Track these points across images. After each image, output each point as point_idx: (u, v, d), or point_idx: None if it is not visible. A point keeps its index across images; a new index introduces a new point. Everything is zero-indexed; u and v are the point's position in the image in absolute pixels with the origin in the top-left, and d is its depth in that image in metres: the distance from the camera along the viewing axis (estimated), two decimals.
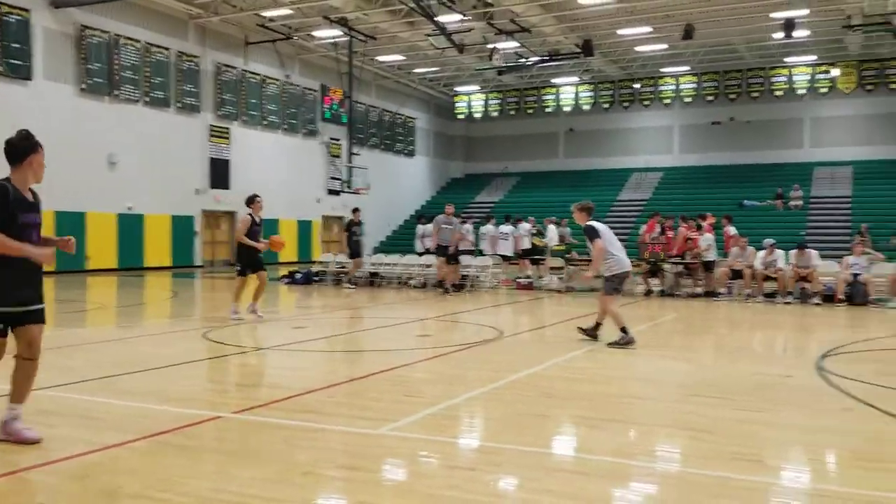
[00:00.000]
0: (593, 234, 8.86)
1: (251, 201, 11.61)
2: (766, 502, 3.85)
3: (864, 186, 33.40)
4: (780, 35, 27.50)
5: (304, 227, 31.78)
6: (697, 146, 38.89)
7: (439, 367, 7.62)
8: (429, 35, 26.91)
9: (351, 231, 18.32)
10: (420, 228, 20.66)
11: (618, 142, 40.58)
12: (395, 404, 5.87)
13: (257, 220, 11.47)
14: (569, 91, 38.53)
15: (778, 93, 35.31)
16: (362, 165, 32.15)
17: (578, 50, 29.19)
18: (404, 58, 33.69)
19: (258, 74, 29.45)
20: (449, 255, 16.70)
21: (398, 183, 38.40)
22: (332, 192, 32.88)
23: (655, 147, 39.86)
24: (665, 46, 32.13)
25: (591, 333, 9.02)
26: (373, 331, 10.93)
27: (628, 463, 4.43)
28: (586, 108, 38.68)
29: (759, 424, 5.30)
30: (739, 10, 27.33)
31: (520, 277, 18.32)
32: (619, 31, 30.13)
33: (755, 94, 35.89)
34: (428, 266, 18.50)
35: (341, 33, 28.39)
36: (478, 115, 40.61)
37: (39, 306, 4.73)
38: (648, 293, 16.16)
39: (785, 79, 34.94)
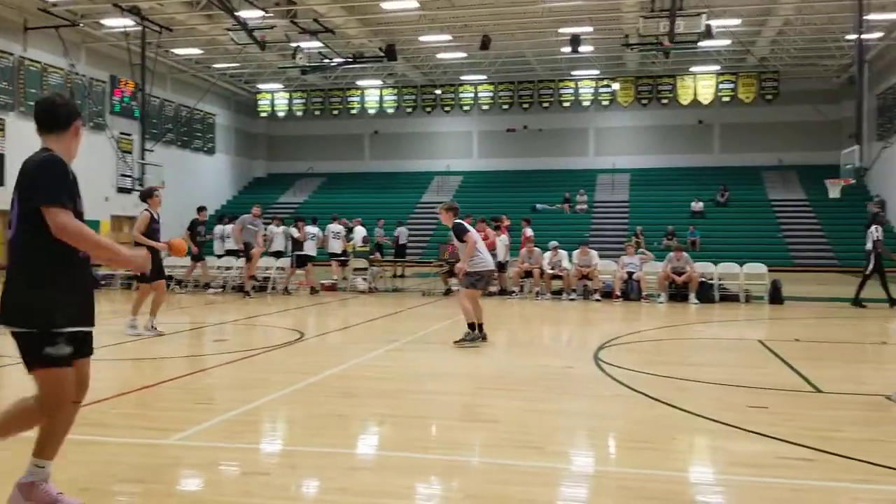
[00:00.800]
0: (463, 231, 9.14)
1: (149, 195, 10.14)
2: (545, 485, 4.17)
3: (640, 192, 36.60)
4: (567, 49, 29.41)
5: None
6: (495, 151, 40.68)
7: (236, 371, 7.48)
8: (229, 30, 26.11)
9: (196, 231, 17.46)
10: (219, 229, 19.97)
11: (421, 145, 41.54)
12: (186, 412, 5.71)
13: (156, 216, 10.02)
14: (373, 94, 38.86)
15: (566, 104, 37.71)
16: (157, 162, 30.53)
17: (382, 54, 29.56)
18: (203, 52, 32.44)
19: (38, 62, 27.12)
20: (248, 256, 16.29)
21: (197, 182, 36.87)
22: (122, 189, 30.96)
23: (456, 151, 41.23)
24: (464, 55, 33.31)
25: (475, 336, 9.03)
26: (167, 337, 10.48)
27: (424, 457, 4.62)
28: (390, 111, 39.21)
29: (543, 413, 5.71)
30: (531, 24, 28.93)
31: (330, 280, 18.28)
32: (422, 38, 30.85)
33: (546, 105, 38.09)
34: (228, 268, 17.99)
35: (133, 23, 26.84)
36: (281, 114, 39.88)
37: (91, 329, 3.66)
38: (447, 292, 16.74)
39: (572, 91, 37.39)
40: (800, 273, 26.16)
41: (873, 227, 14.38)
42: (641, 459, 4.55)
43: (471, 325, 8.93)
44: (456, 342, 8.86)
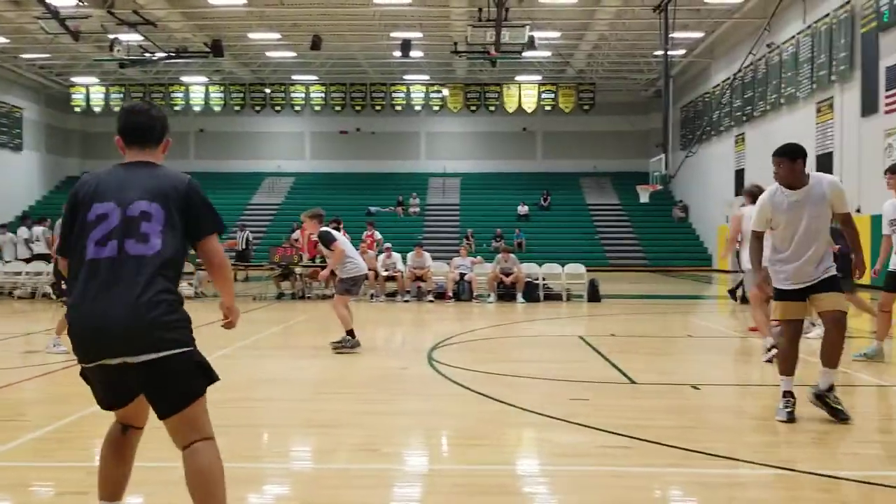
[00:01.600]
0: (330, 238, 8.94)
1: None
2: (379, 487, 4.21)
3: (470, 195, 37.67)
4: (398, 54, 29.73)
5: None
6: (327, 153, 40.38)
7: (48, 385, 6.97)
8: (39, 18, 24.22)
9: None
10: (24, 231, 18.36)
11: (250, 145, 40.47)
12: None
13: None
14: (199, 91, 37.42)
15: (398, 107, 38.11)
16: None
17: (208, 49, 28.52)
18: (8, 40, 29.90)
19: None
20: None
21: (2, 180, 33.95)
22: None
23: (288, 152, 40.55)
24: (294, 54, 32.83)
25: (355, 343, 8.87)
26: None
27: (257, 466, 4.53)
28: (217, 109, 37.92)
29: (378, 415, 5.76)
30: (362, 27, 29.00)
31: None
32: (250, 35, 30.09)
33: (378, 108, 38.31)
34: (38, 274, 16.69)
35: None
36: (98, 109, 37.48)
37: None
38: (280, 296, 16.43)
39: (404, 95, 37.84)
40: (615, 272, 27.94)
41: None
42: (473, 455, 4.71)
43: (349, 332, 8.89)
44: (335, 348, 8.73)
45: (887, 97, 19.49)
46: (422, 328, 12.23)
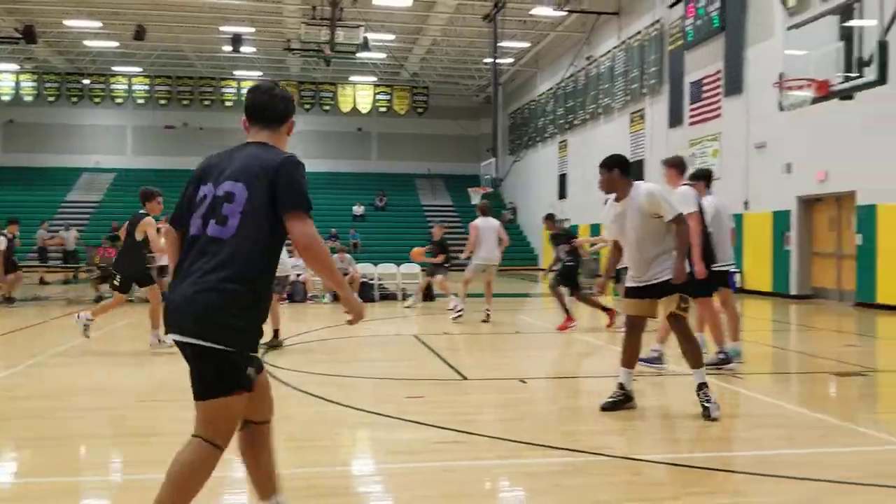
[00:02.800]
0: None
1: None
2: (211, 496, 4.08)
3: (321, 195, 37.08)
4: (228, 48, 28.85)
5: None
6: (152, 149, 38.42)
7: None
8: None
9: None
10: None
11: (66, 138, 37.78)
12: None
13: None
14: (8, 79, 34.50)
15: (228, 103, 36.96)
16: None
17: (19, 35, 26.36)
18: None
19: None
20: None
21: None
22: None
23: (107, 147, 38.21)
24: (116, 44, 31.04)
25: (274, 343, 8.85)
26: None
27: (74, 480, 4.28)
28: (29, 98, 35.13)
29: None
30: (190, 18, 27.90)
31: None
32: (67, 22, 28.12)
33: (207, 103, 36.96)
34: None
35: None
36: None
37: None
38: (99, 300, 15.46)
39: (234, 91, 36.75)
40: (448, 272, 28.50)
41: None
42: (308, 457, 4.69)
43: (275, 332, 8.85)
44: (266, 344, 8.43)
45: (691, 110, 21.26)
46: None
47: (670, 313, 5.61)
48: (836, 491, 4.00)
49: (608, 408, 5.74)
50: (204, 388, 2.96)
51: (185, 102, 36.84)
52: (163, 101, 36.62)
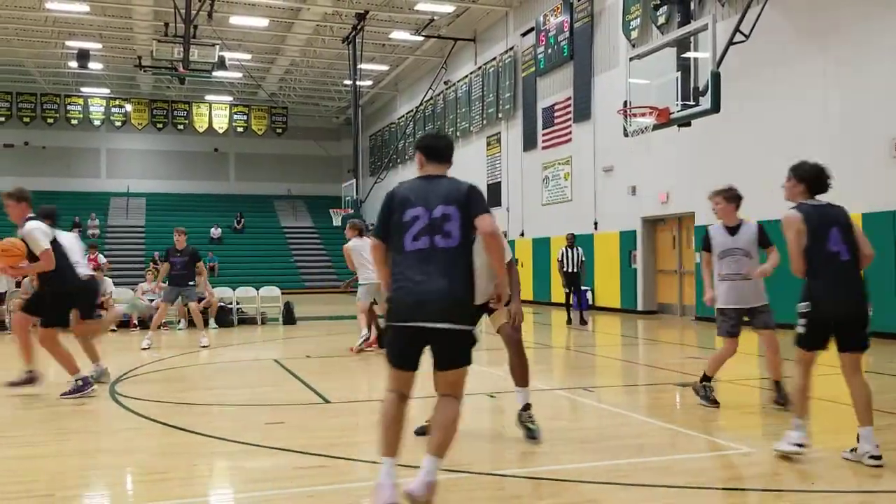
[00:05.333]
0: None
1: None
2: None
3: (157, 217, 35.63)
4: (74, 64, 27.42)
5: None
6: None
7: None
8: None
9: None
10: None
11: None
12: None
13: None
14: None
15: (74, 121, 35.07)
16: None
17: None
18: None
19: None
20: None
21: None
22: None
23: None
24: None
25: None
26: None
27: None
28: None
29: (49, 458, 5.23)
30: (32, 32, 26.37)
31: None
32: None
33: (51, 121, 34.96)
34: None
35: None
36: None
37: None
38: None
39: (81, 108, 34.91)
40: (310, 294, 28.18)
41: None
42: (161, 490, 4.49)
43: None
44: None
45: (544, 134, 22.15)
46: (104, 359, 11.30)
47: (509, 334, 5.58)
48: (684, 495, 4.27)
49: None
50: (452, 360, 3.92)
51: (26, 120, 34.62)
52: (1, 119, 34.25)
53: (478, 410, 6.73)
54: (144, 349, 11.47)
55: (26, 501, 4.28)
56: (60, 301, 7.37)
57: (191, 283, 12.15)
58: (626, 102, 14.68)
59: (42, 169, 36.21)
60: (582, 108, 20.08)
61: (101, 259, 17.38)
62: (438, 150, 4.20)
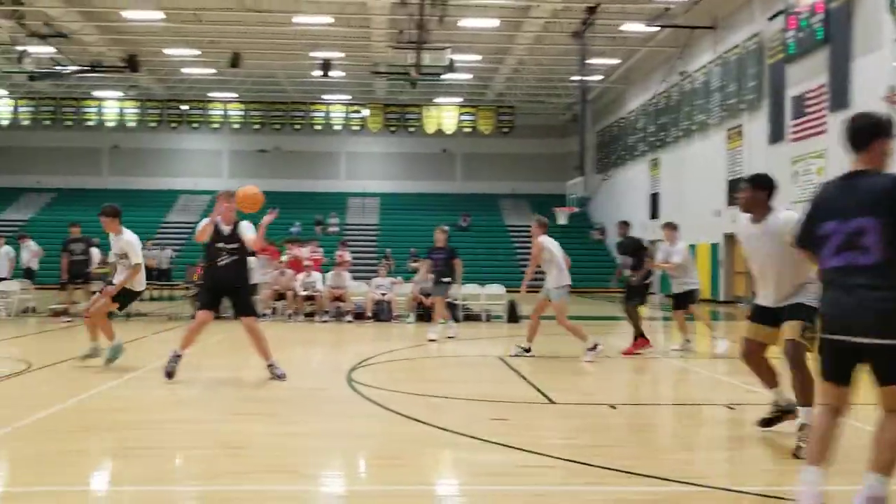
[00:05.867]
0: None
1: None
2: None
3: (389, 216, 37.64)
4: (318, 73, 29.60)
5: None
6: (246, 172, 39.65)
7: None
8: None
9: None
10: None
11: (166, 162, 39.54)
12: None
13: None
14: (113, 106, 36.39)
15: (317, 127, 37.91)
16: None
17: (123, 64, 27.78)
18: None
19: None
20: None
21: None
22: None
23: (204, 170, 39.68)
24: (213, 71, 32.28)
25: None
26: None
27: (170, 489, 4.38)
28: (132, 125, 36.96)
29: (295, 436, 5.64)
30: (282, 45, 28.77)
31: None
32: (166, 51, 29.45)
33: (297, 127, 38.01)
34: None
35: None
36: (5, 123, 35.97)
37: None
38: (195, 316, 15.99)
39: (323, 114, 37.68)
40: (533, 293, 28.25)
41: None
42: (392, 476, 4.66)
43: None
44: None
45: (793, 125, 20.47)
46: (341, 349, 12.09)
47: (790, 339, 5.12)
48: None
49: (762, 424, 5.64)
50: (886, 376, 3.63)
51: (276, 126, 37.97)
52: (256, 126, 37.84)
53: (716, 422, 6.34)
54: (431, 341, 12.16)
55: (273, 475, 4.62)
56: None
57: (445, 279, 12.96)
58: (892, 88, 13.17)
59: (289, 171, 39.52)
60: (839, 96, 18.28)
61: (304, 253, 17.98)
62: (849, 135, 3.78)
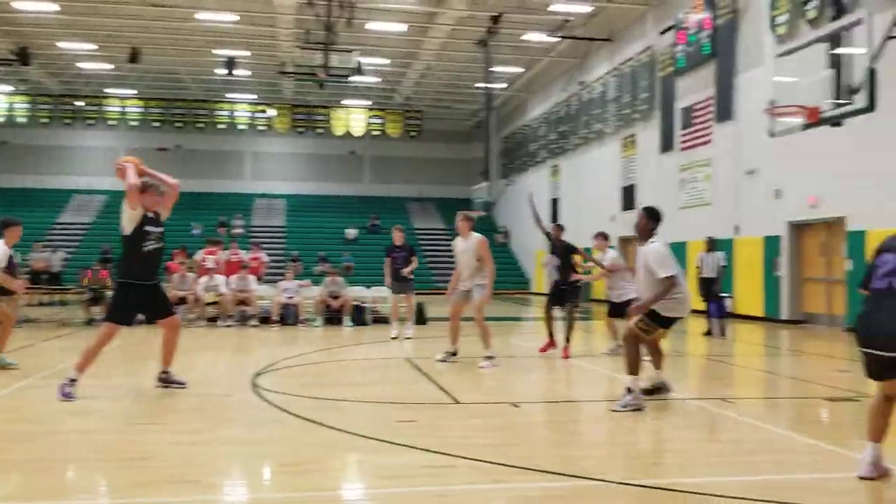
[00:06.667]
0: None
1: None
2: None
3: (296, 218, 37.19)
4: (223, 71, 28.98)
5: None
6: None
7: None
8: None
9: None
10: None
11: (59, 160, 37.84)
12: None
13: None
14: (1, 101, 34.57)
15: (221, 126, 37.07)
16: None
17: (13, 57, 26.45)
18: None
19: None
20: None
21: None
22: None
23: (100, 168, 38.07)
24: (111, 67, 31.14)
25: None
26: None
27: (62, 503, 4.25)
28: (22, 120, 35.17)
29: (199, 445, 5.55)
30: (185, 42, 28.03)
31: None
32: (60, 44, 28.22)
33: (201, 125, 37.06)
34: None
35: None
36: None
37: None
38: (90, 322, 15.40)
39: (228, 113, 36.88)
40: (441, 295, 28.48)
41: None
42: (299, 482, 4.66)
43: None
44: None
45: (683, 135, 21.41)
46: (245, 354, 11.90)
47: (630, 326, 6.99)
48: None
49: (646, 393, 7.01)
50: None
51: (178, 125, 36.92)
52: (156, 124, 36.70)
53: (612, 418, 6.59)
54: (393, 338, 13.11)
55: (175, 486, 4.54)
56: None
57: (409, 277, 13.47)
58: (772, 101, 13.97)
59: (192, 171, 38.37)
60: (724, 108, 19.28)
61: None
62: None
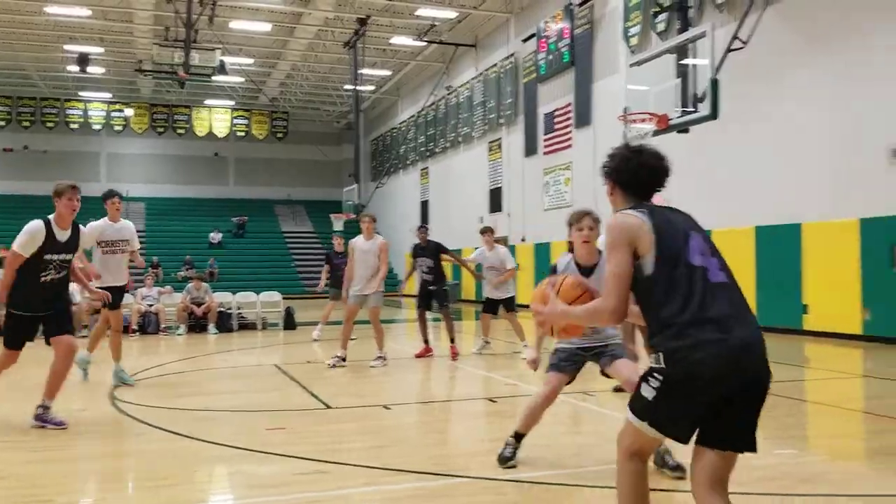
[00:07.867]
0: None
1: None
2: None
3: (156, 221, 35.66)
4: (75, 68, 27.48)
5: None
6: None
7: None
8: None
9: None
10: None
11: None
12: None
13: None
14: None
15: (74, 125, 35.11)
16: None
17: None
18: None
19: None
20: None
21: None
22: None
23: None
24: None
25: None
26: None
27: None
28: None
29: (52, 462, 5.25)
30: (32, 36, 26.40)
31: None
32: None
33: (51, 125, 34.98)
34: None
35: None
36: None
37: None
38: None
39: (81, 112, 34.96)
40: (310, 300, 28.15)
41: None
42: (162, 497, 4.50)
43: None
44: None
45: (545, 140, 22.16)
46: (102, 365, 11.30)
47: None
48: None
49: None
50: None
51: (25, 124, 34.67)
52: (1, 123, 34.30)
53: (479, 415, 6.75)
54: (316, 340, 13.35)
55: None
56: None
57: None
58: (625, 108, 14.70)
59: (42, 173, 36.09)
60: (582, 114, 20.11)
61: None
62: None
